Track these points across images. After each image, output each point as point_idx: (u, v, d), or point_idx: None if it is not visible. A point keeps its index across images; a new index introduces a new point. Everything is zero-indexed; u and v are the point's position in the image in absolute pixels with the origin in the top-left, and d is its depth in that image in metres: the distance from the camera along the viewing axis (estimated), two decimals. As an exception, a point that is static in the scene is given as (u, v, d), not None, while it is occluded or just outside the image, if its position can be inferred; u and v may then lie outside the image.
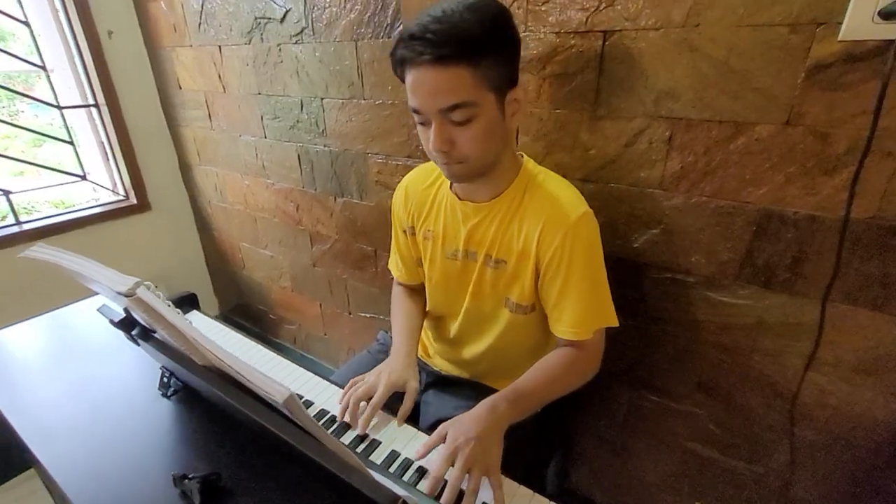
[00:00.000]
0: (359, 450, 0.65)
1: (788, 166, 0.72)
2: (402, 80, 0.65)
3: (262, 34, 1.31)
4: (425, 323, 0.96)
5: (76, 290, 1.00)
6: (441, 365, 0.96)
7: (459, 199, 0.79)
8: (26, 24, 1.47)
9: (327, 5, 1.13)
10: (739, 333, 0.86)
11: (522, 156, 0.79)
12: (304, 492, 0.53)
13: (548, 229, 0.71)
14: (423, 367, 0.96)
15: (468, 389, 0.89)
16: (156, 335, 0.55)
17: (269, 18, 1.26)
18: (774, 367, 0.84)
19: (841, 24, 0.62)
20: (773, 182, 0.74)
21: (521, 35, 0.86)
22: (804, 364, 0.81)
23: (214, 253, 2.01)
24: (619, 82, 0.82)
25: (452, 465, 0.59)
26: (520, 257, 0.75)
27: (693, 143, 0.79)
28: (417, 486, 0.60)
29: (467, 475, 0.58)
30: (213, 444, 0.59)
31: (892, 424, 0.77)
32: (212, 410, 0.63)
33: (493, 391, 0.86)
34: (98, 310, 0.60)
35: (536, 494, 0.61)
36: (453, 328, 0.89)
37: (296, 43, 1.24)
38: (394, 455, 0.65)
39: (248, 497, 0.52)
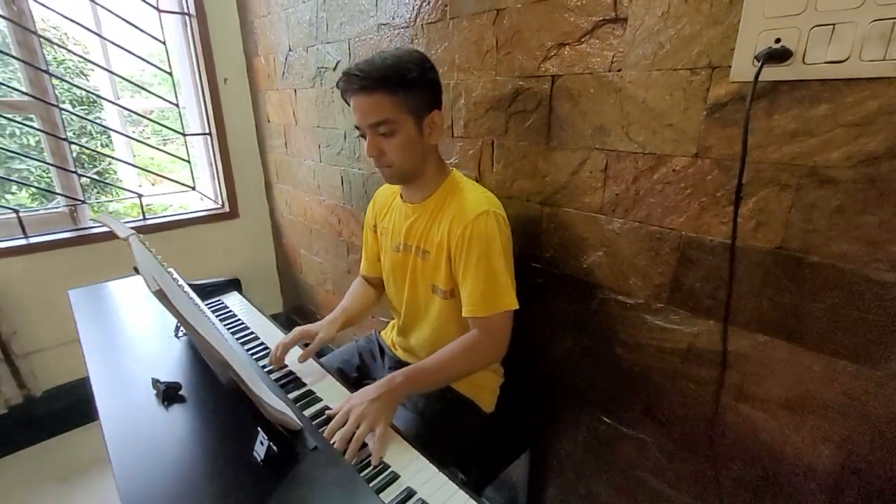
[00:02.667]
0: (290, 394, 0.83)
1: (701, 196, 0.77)
2: (347, 104, 0.87)
3: (321, 80, 1.63)
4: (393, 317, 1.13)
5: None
6: (401, 355, 1.10)
7: (403, 201, 0.99)
8: (170, 73, 1.99)
9: (364, 56, 1.40)
10: (674, 359, 0.87)
11: (452, 169, 0.97)
12: (232, 401, 0.71)
13: (454, 223, 0.87)
14: (386, 353, 1.13)
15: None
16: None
17: (327, 68, 1.58)
18: (707, 396, 0.84)
19: (731, 67, 0.68)
20: (691, 210, 0.79)
21: (494, 79, 1.03)
22: (732, 395, 0.80)
23: (283, 258, 2.38)
24: (565, 118, 0.93)
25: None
26: (438, 248, 0.91)
27: (623, 172, 0.86)
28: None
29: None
30: (191, 369, 0.81)
31: (820, 470, 0.73)
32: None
33: None
34: (133, 267, 0.87)
35: (450, 481, 0.65)
36: (401, 315, 1.05)
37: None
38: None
39: (195, 402, 0.72)
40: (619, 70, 0.82)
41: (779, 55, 0.62)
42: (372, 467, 0.68)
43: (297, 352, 0.96)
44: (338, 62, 1.52)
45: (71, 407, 1.79)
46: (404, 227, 0.98)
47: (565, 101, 0.91)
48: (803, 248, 0.68)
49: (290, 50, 1.75)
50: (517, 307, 0.87)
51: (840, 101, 0.60)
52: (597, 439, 1.07)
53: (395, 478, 0.67)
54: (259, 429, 0.60)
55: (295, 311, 2.43)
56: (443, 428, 0.92)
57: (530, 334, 1.11)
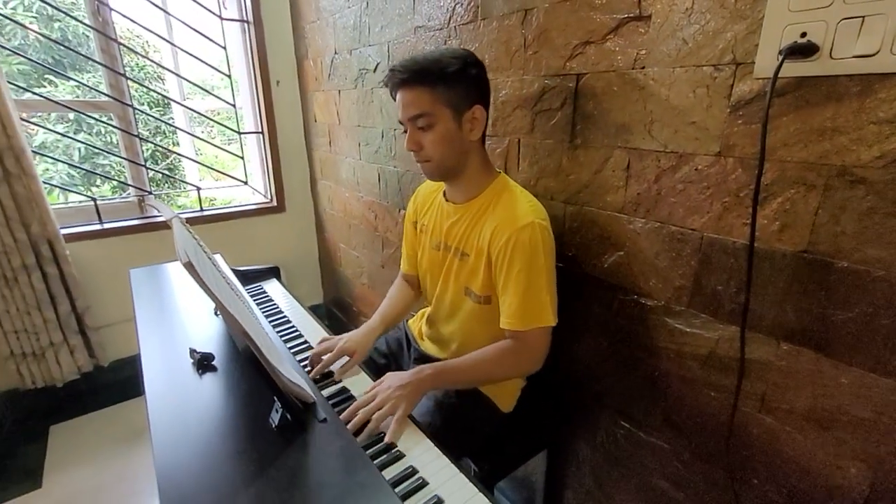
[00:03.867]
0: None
1: (724, 196, 0.74)
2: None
3: (363, 81, 1.70)
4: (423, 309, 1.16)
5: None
6: (428, 347, 1.13)
7: (446, 199, 1.00)
8: (229, 76, 2.15)
9: (401, 58, 1.45)
10: (695, 365, 0.85)
11: (500, 172, 0.97)
12: (258, 372, 0.78)
13: (498, 231, 0.87)
14: (413, 345, 1.16)
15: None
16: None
17: (367, 70, 1.65)
18: (727, 405, 0.81)
19: (755, 63, 0.66)
20: (713, 211, 0.76)
21: (522, 78, 1.04)
22: (754, 405, 0.77)
23: (324, 251, 2.49)
24: (589, 116, 0.92)
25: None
26: (478, 253, 0.91)
27: (645, 171, 0.85)
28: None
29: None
30: (226, 342, 0.89)
31: (847, 490, 0.68)
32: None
33: None
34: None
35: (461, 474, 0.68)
36: (432, 310, 1.08)
37: (382, 87, 1.59)
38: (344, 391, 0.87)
39: (225, 371, 0.79)
40: (643, 67, 0.81)
41: (804, 50, 0.59)
42: (383, 444, 0.71)
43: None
44: (377, 64, 1.59)
45: (133, 378, 1.98)
46: (445, 227, 0.99)
47: (589, 99, 0.91)
48: (831, 252, 0.64)
49: (335, 53, 1.84)
50: (554, 324, 0.86)
51: (871, 96, 0.57)
52: (615, 443, 1.06)
53: (399, 456, 0.71)
54: (275, 398, 0.65)
55: (334, 303, 2.53)
56: (457, 420, 0.94)
57: (553, 334, 1.11)
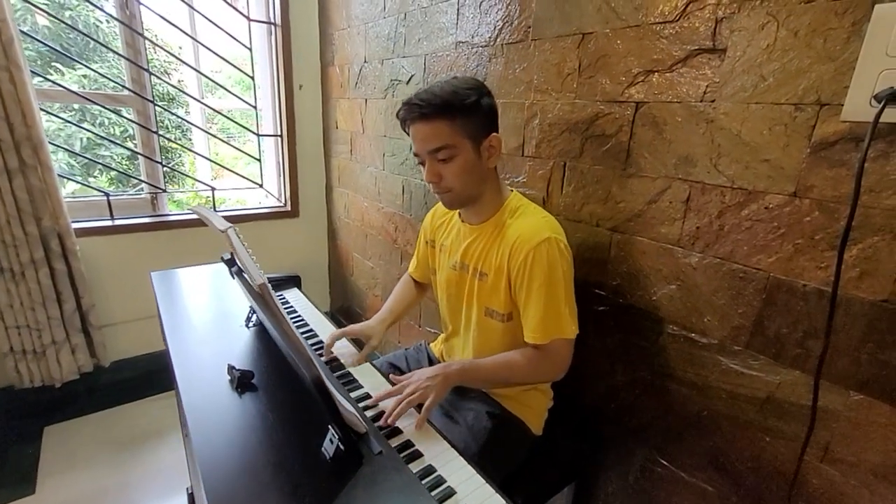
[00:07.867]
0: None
1: (797, 237, 0.72)
2: (407, 133, 0.89)
3: (393, 91, 1.68)
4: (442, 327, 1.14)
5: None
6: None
7: (462, 220, 1.00)
8: (252, 77, 2.12)
9: (439, 72, 1.44)
10: (750, 408, 0.82)
11: (512, 191, 0.97)
12: (300, 395, 0.74)
13: (515, 249, 0.87)
14: (434, 363, 1.13)
15: (463, 389, 1.01)
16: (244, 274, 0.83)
17: (400, 80, 1.63)
18: (785, 452, 0.78)
19: (843, 105, 0.65)
20: (783, 251, 0.74)
21: (573, 101, 1.03)
22: (817, 455, 0.74)
23: (335, 259, 2.45)
24: (647, 146, 0.91)
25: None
26: (497, 272, 0.90)
27: (707, 205, 0.83)
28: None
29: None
30: (261, 359, 0.84)
31: (919, 552, 0.66)
32: (269, 340, 0.89)
33: (483, 394, 1.00)
34: (221, 256, 0.92)
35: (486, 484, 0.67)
36: (453, 329, 1.06)
37: (414, 99, 1.57)
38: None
39: (266, 392, 0.74)
40: (713, 101, 0.79)
41: (903, 96, 0.58)
42: (434, 478, 0.67)
43: (342, 345, 1.05)
44: (411, 76, 1.57)
45: (133, 380, 1.92)
46: (462, 247, 0.98)
47: (649, 128, 0.90)
48: (916, 303, 0.62)
49: (365, 62, 1.82)
50: (576, 334, 0.87)
51: (975, 149, 0.56)
52: (650, 481, 1.02)
53: (451, 493, 0.67)
54: (330, 427, 0.61)
55: (341, 311, 2.48)
56: (492, 446, 0.91)
57: (587, 362, 1.08)
